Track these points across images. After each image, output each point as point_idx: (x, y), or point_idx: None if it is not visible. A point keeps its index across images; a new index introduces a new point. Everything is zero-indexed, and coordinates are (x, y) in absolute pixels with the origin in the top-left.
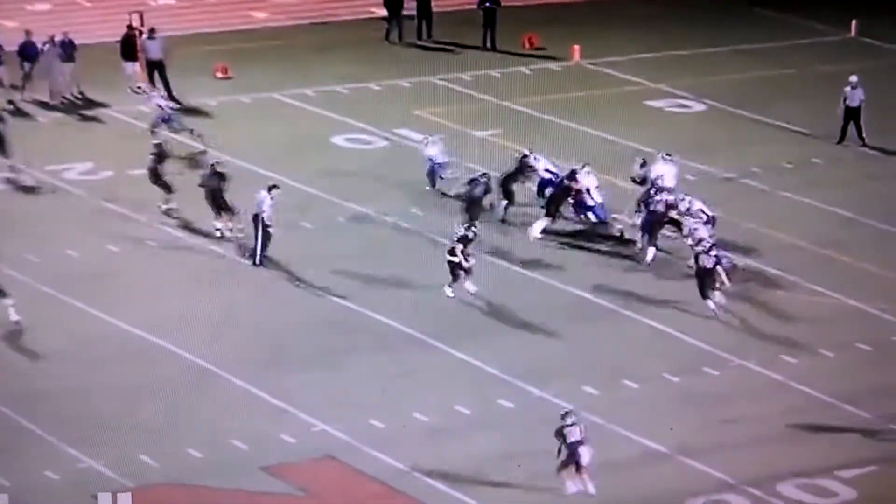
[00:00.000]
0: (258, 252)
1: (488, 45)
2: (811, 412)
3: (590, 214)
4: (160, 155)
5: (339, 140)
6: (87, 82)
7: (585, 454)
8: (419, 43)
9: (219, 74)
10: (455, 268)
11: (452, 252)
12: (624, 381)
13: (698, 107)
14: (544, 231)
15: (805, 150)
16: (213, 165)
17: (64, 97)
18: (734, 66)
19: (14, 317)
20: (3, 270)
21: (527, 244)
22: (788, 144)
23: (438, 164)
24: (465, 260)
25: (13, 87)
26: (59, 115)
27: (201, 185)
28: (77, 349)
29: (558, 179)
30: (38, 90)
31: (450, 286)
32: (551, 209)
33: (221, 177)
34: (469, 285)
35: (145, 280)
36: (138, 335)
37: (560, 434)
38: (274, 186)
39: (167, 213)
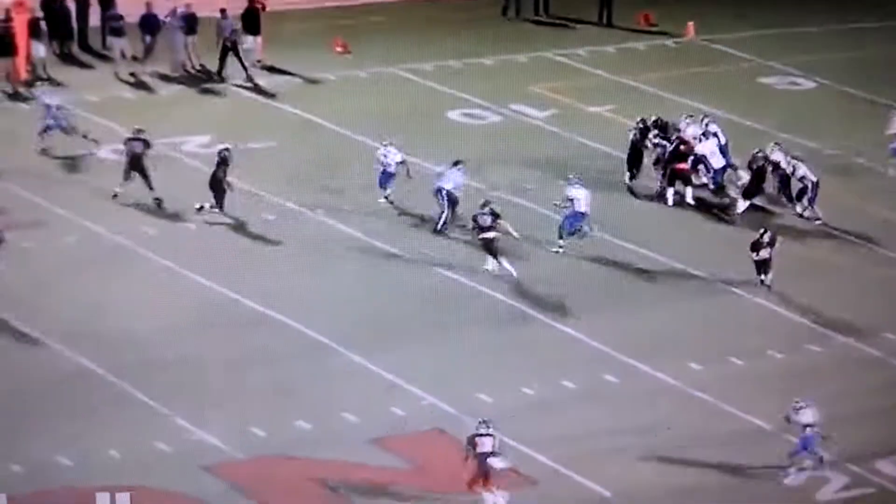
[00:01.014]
0: (442, 221)
1: (604, 21)
2: None
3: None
4: (223, 161)
5: (454, 115)
6: (207, 55)
7: (497, 465)
8: (536, 18)
9: (338, 49)
10: (490, 244)
11: (486, 229)
12: (729, 358)
13: (809, 84)
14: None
15: None
16: (220, 152)
17: (185, 70)
18: (847, 45)
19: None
20: (120, 242)
21: (635, 219)
22: None
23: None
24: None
25: (134, 59)
26: (179, 87)
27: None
28: (192, 321)
29: (673, 146)
30: (158, 62)
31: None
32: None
33: (224, 162)
34: (496, 264)
35: (260, 253)
36: (252, 307)
37: (471, 443)
38: (459, 161)
39: (200, 210)
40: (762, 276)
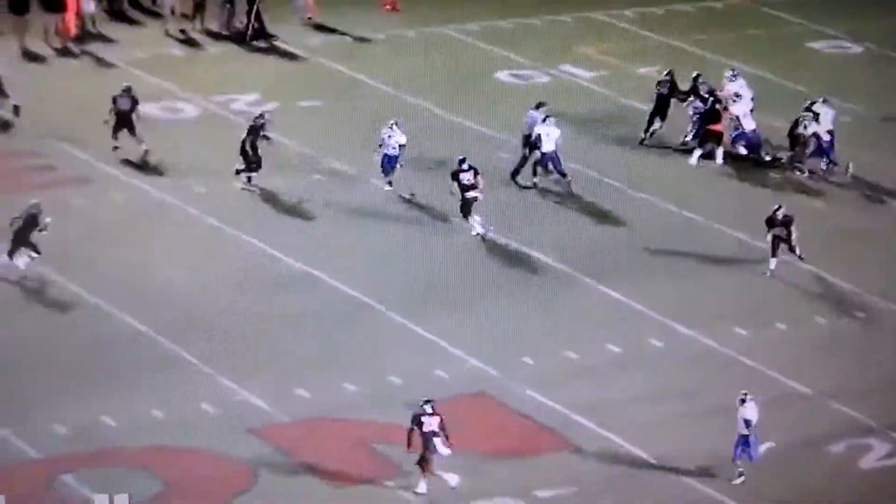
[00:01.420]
0: (521, 168)
1: None
2: None
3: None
4: (258, 128)
5: (502, 75)
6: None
7: (442, 449)
8: None
9: (386, 8)
10: (471, 204)
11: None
12: (775, 324)
13: (857, 49)
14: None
15: None
16: (255, 118)
17: (234, 28)
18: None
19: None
20: (168, 199)
21: (681, 181)
22: None
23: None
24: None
25: (184, 16)
26: (228, 45)
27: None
28: (238, 281)
29: (709, 105)
30: (208, 20)
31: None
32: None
33: (259, 130)
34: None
35: (308, 212)
36: (299, 268)
37: (417, 422)
38: (541, 104)
39: (244, 181)
40: (775, 257)
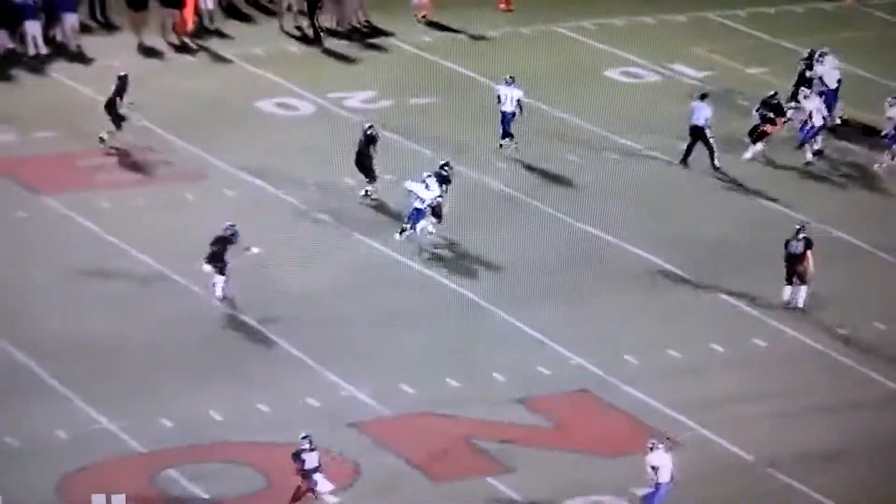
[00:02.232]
0: (689, 155)
1: None
2: None
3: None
4: (370, 139)
5: (612, 73)
6: (373, 10)
7: (323, 487)
8: None
9: (501, 6)
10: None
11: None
12: (874, 324)
13: None
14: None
15: None
16: (365, 130)
17: (350, 24)
18: None
19: (218, 293)
20: (281, 196)
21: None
22: None
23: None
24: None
25: (300, 13)
26: (344, 42)
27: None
28: (346, 277)
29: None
30: (325, 17)
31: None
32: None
33: (372, 140)
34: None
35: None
36: (406, 264)
37: (298, 458)
38: (705, 95)
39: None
40: (793, 281)
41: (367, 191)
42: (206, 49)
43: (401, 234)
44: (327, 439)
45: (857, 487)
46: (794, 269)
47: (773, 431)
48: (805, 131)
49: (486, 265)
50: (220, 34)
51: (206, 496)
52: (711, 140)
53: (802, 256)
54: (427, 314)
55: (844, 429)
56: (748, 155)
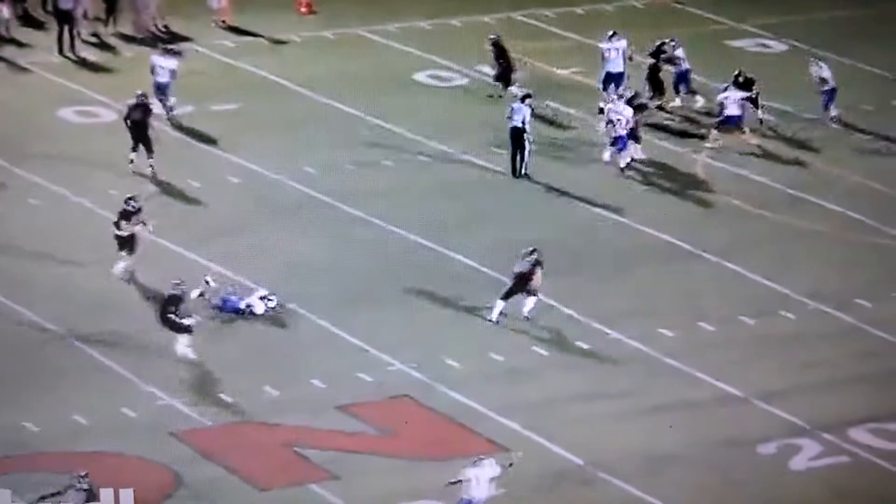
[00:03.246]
0: (523, 163)
1: None
2: (886, 356)
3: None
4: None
5: (421, 77)
6: (171, 15)
7: None
8: None
9: (302, 10)
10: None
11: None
12: (699, 324)
13: (780, 47)
14: None
15: (886, 92)
16: (138, 96)
17: (149, 31)
18: (817, 6)
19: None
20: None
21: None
22: (869, 86)
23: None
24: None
25: (97, 19)
26: (143, 48)
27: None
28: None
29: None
30: (122, 23)
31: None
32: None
33: (146, 110)
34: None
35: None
36: (220, 272)
37: None
38: (528, 96)
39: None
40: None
41: (151, 163)
42: (2, 59)
43: None
44: (146, 450)
45: (689, 489)
46: (521, 286)
47: (603, 434)
48: (621, 138)
49: (300, 271)
50: (18, 43)
51: None
52: (529, 144)
53: (531, 273)
54: (242, 322)
55: (675, 429)
56: (606, 156)
